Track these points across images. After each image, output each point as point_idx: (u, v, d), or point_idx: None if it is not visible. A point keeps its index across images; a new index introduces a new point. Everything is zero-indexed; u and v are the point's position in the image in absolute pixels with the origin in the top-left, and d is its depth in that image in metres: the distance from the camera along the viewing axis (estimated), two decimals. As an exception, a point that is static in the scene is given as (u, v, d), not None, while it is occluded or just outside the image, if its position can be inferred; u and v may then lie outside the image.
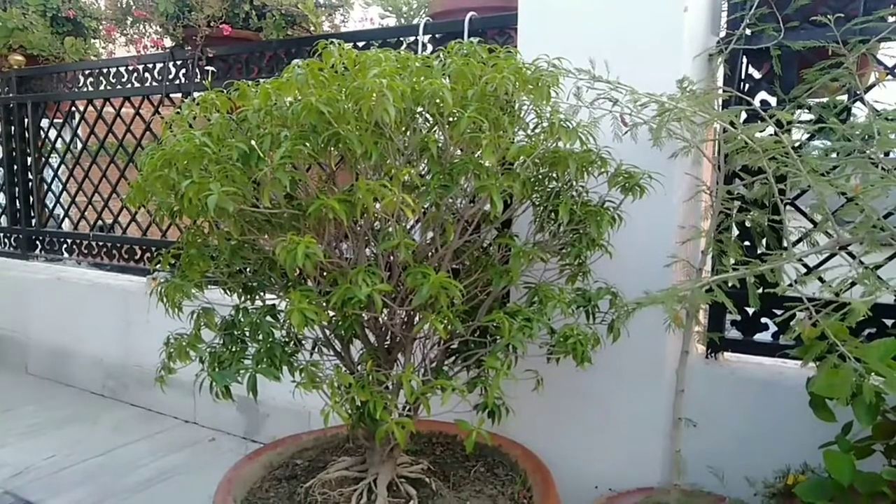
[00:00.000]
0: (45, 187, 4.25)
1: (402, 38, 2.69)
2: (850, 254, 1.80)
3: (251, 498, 1.91)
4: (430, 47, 2.63)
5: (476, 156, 1.58)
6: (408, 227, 1.69)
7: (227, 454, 2.95)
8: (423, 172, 1.66)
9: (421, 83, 1.48)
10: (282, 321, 1.67)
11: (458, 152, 1.64)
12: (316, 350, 1.88)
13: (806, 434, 1.80)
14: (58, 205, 4.29)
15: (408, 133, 1.62)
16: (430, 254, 1.72)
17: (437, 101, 1.48)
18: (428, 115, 1.62)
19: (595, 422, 2.21)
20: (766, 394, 2.03)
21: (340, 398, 1.52)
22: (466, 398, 1.58)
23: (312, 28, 3.29)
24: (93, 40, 4.18)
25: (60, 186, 4.22)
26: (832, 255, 1.92)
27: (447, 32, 2.57)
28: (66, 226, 4.40)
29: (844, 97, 1.93)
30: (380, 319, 1.78)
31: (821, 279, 1.84)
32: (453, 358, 1.87)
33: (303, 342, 1.77)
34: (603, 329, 1.77)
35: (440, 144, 1.59)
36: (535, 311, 1.63)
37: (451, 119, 1.54)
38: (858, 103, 1.90)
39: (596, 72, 1.82)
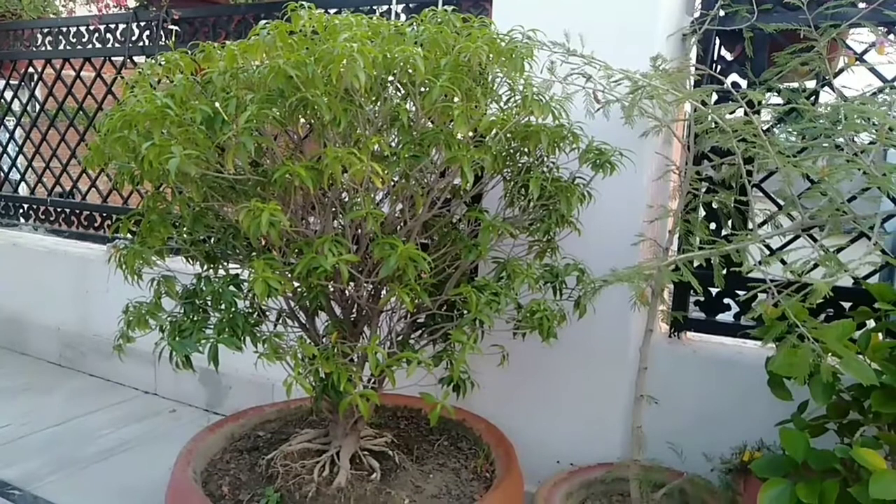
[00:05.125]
0: (1, 150, 4.09)
1: (374, 7, 2.64)
2: (812, 237, 1.83)
3: (211, 469, 1.89)
4: (403, 17, 2.58)
5: (448, 127, 1.56)
6: (377, 199, 1.66)
7: (188, 426, 2.91)
8: (393, 143, 1.63)
9: (393, 50, 1.44)
10: (245, 291, 1.64)
11: (430, 123, 1.62)
12: (280, 321, 1.85)
13: (763, 412, 1.85)
14: (14, 169, 4.14)
15: (378, 102, 1.58)
16: (398, 226, 1.70)
17: (409, 69, 1.45)
18: (399, 84, 1.59)
19: (559, 397, 2.23)
20: (727, 373, 2.07)
21: (304, 370, 1.50)
22: (432, 372, 1.57)
23: (283, -7, 3.20)
24: (52, -3, 4.01)
25: (17, 150, 4.07)
26: (795, 238, 1.95)
27: (421, 2, 2.52)
28: (23, 190, 4.25)
29: (813, 82, 1.95)
30: (346, 291, 1.76)
31: (783, 261, 1.87)
32: (420, 331, 1.86)
33: (267, 313, 1.75)
34: (569, 305, 1.77)
35: (411, 114, 1.56)
36: (503, 286, 1.63)
37: (423, 89, 1.52)
38: (827, 88, 1.92)
39: (570, 46, 1.80)
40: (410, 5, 2.56)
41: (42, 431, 2.86)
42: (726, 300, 2.15)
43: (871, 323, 1.75)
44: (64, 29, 3.58)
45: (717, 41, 2.08)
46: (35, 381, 3.43)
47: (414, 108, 1.57)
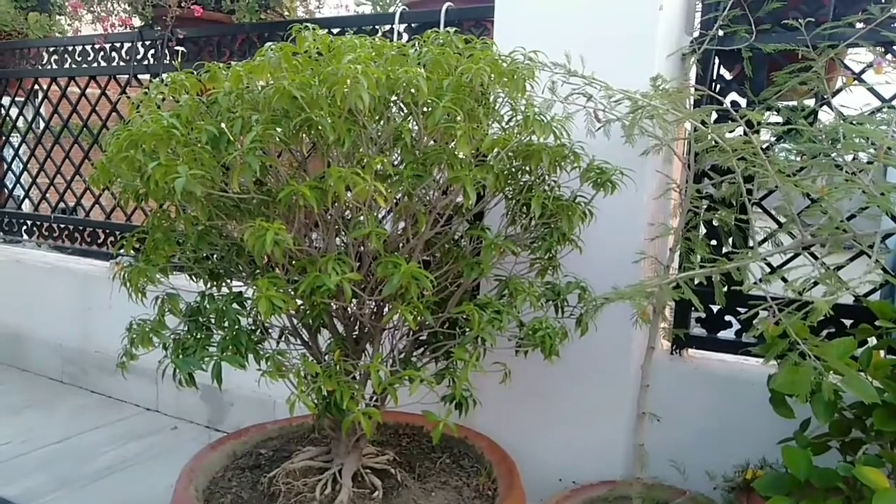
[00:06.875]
0: (5, 167, 4.12)
1: (377, 26, 2.67)
2: (812, 254, 1.84)
3: (213, 487, 1.89)
4: (405, 36, 2.61)
5: (450, 147, 1.58)
6: (379, 216, 1.68)
7: (190, 443, 2.91)
8: (396, 162, 1.64)
9: (396, 71, 1.46)
10: (248, 308, 1.65)
11: (432, 143, 1.63)
12: (283, 339, 1.86)
13: (765, 430, 1.84)
14: (18, 185, 4.17)
15: (381, 121, 1.60)
16: (401, 244, 1.71)
17: (412, 89, 1.47)
18: (402, 104, 1.61)
19: (561, 415, 2.23)
20: (728, 390, 2.07)
21: (307, 387, 1.50)
22: (434, 389, 1.58)
23: (286, 13, 3.24)
24: (58, 17, 4.06)
25: (21, 166, 4.10)
26: (796, 256, 1.96)
27: (423, 22, 2.55)
28: (27, 207, 4.27)
29: (812, 101, 1.97)
30: (349, 309, 1.77)
31: (784, 279, 1.87)
32: (422, 349, 1.87)
33: (269, 330, 1.75)
34: (571, 323, 1.78)
35: (414, 134, 1.58)
36: (505, 304, 1.64)
37: (425, 109, 1.53)
38: (825, 107, 1.93)
39: (571, 66, 1.83)
40: (413, 25, 2.59)
41: (43, 449, 2.86)
42: (727, 317, 2.15)
43: (872, 340, 1.75)
44: (69, 47, 3.62)
45: (717, 61, 2.11)
46: (36, 398, 3.42)
47: (417, 128, 1.58)
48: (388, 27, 2.63)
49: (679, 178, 2.10)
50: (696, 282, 2.01)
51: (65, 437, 2.98)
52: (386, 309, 1.75)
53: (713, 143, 1.73)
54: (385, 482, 1.83)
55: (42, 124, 3.95)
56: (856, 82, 1.97)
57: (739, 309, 2.10)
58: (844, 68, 2.00)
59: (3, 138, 4.08)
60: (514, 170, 1.75)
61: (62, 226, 3.79)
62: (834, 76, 2.00)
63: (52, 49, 3.71)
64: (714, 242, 2.10)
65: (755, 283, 1.76)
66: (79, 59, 3.59)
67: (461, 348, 1.56)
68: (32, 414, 3.23)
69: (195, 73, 1.64)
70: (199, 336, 1.60)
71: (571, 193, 1.79)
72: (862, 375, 1.51)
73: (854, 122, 1.66)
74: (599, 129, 1.86)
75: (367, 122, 1.53)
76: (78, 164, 3.72)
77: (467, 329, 1.60)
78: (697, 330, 2.21)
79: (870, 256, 1.47)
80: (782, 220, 1.90)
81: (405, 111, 1.63)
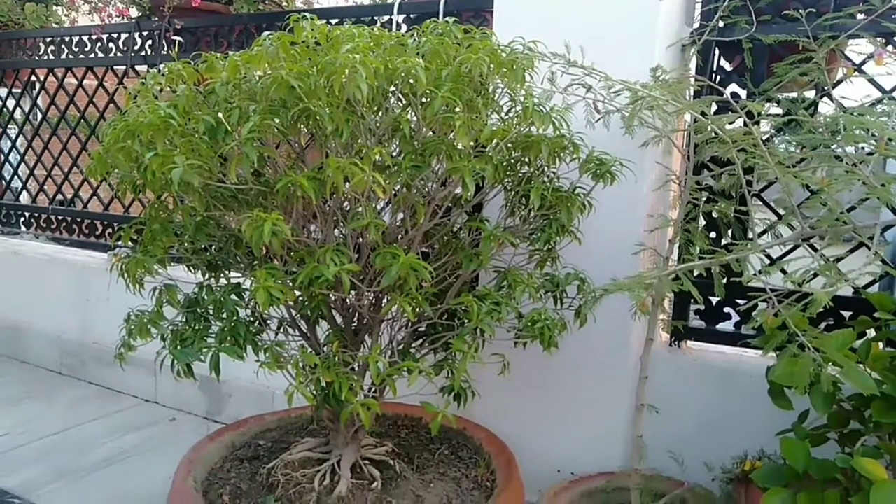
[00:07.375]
0: (2, 158, 4.10)
1: (376, 17, 2.65)
2: (812, 246, 1.84)
3: (212, 478, 1.89)
4: (404, 27, 2.59)
5: (449, 137, 1.57)
6: (378, 208, 1.67)
7: (188, 434, 2.91)
8: (394, 153, 1.64)
9: (395, 61, 1.45)
10: (247, 300, 1.64)
11: (431, 133, 1.63)
12: (281, 330, 1.86)
13: (764, 421, 1.84)
14: (15, 177, 4.15)
15: (380, 112, 1.59)
16: (399, 236, 1.71)
17: (411, 79, 1.46)
18: (401, 95, 1.60)
19: (559, 406, 2.23)
20: (727, 382, 2.07)
21: (305, 379, 1.50)
22: (433, 381, 1.58)
23: (284, 3, 3.23)
24: (55, 7, 4.02)
25: (18, 158, 4.08)
26: (795, 247, 1.96)
27: (422, 12, 2.53)
28: (24, 199, 4.26)
29: (812, 92, 1.96)
30: (347, 300, 1.77)
31: (783, 271, 1.87)
32: (420, 340, 1.87)
33: (268, 322, 1.75)
34: (570, 315, 1.78)
35: (413, 124, 1.57)
36: (504, 296, 1.63)
37: (424, 99, 1.53)
38: (826, 98, 1.93)
39: (571, 57, 1.82)
40: (412, 16, 2.57)
41: (42, 440, 2.86)
42: (727, 309, 2.15)
43: (871, 332, 1.75)
44: (66, 38, 3.60)
45: (717, 52, 2.10)
46: (35, 390, 3.42)
47: (415, 119, 1.58)
48: (386, 18, 2.61)
49: (679, 169, 2.10)
50: (696, 273, 2.01)
51: (63, 428, 2.98)
52: (385, 300, 1.74)
53: (713, 134, 1.72)
54: (384, 473, 1.84)
55: (39, 115, 3.93)
56: (856, 73, 1.96)
57: (738, 301, 2.10)
58: (845, 59, 1.99)
59: (1, 130, 4.06)
60: (513, 161, 1.75)
61: (60, 217, 3.78)
62: (834, 67, 1.99)
63: (48, 40, 3.69)
64: (713, 234, 2.10)
65: (754, 274, 1.75)
66: (76, 49, 3.57)
67: (460, 340, 1.55)
68: (31, 405, 3.23)
69: (192, 63, 1.63)
70: (197, 327, 1.60)
71: (571, 184, 1.79)
72: (861, 367, 1.51)
73: (854, 114, 1.65)
74: (599, 119, 1.85)
75: (366, 113, 1.52)
76: (75, 155, 3.70)
77: (466, 320, 1.60)
78: (696, 322, 2.21)
79: (869, 248, 1.47)
80: (782, 211, 1.90)
81: (404, 102, 1.62)
